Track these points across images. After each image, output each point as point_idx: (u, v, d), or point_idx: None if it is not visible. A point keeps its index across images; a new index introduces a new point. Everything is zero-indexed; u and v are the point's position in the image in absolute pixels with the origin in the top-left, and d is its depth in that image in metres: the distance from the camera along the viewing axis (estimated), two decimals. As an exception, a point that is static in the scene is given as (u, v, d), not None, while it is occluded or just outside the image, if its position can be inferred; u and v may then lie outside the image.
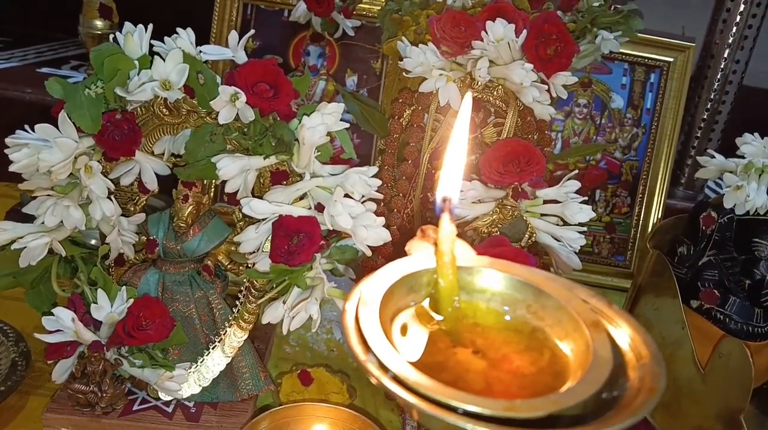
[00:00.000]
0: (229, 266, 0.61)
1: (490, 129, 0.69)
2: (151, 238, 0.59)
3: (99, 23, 0.85)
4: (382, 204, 0.66)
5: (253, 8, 1.03)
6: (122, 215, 0.59)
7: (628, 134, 1.03)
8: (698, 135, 1.06)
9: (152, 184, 0.60)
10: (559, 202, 0.64)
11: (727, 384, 0.58)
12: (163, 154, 0.61)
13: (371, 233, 0.55)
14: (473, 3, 0.76)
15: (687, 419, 0.63)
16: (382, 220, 0.55)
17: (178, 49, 0.54)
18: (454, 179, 0.30)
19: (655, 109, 1.02)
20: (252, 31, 0.60)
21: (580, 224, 0.62)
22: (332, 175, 0.59)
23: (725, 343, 0.59)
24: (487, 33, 0.63)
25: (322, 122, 0.55)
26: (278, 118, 0.58)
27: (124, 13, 1.14)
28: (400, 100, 0.68)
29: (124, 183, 0.60)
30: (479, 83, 0.66)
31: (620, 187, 1.04)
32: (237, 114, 0.55)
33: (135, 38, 0.55)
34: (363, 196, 0.57)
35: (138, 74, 0.55)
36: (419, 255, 0.30)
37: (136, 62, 0.54)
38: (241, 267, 0.62)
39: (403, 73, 0.65)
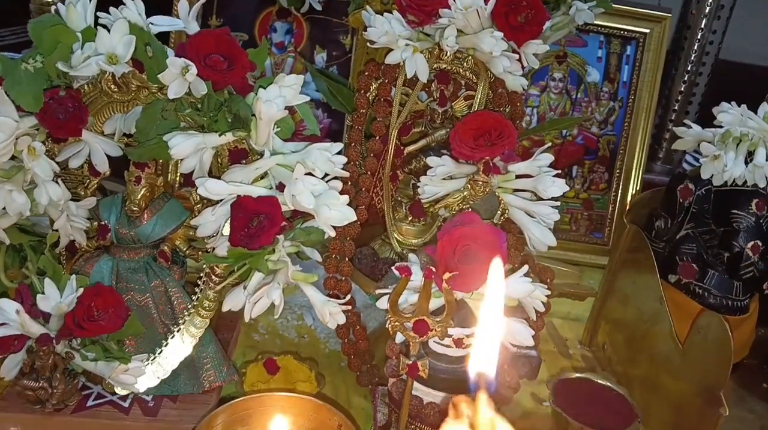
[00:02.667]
0: (187, 252, 0.58)
1: (460, 102, 0.67)
2: (103, 223, 0.56)
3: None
4: (349, 183, 0.63)
5: (216, -17, 0.99)
6: (72, 199, 0.56)
7: (605, 108, 1.01)
8: (675, 108, 1.04)
9: (103, 166, 0.57)
10: (532, 176, 0.62)
11: (706, 359, 0.57)
12: (114, 133, 0.57)
13: (335, 212, 0.52)
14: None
15: (666, 395, 0.62)
16: (346, 198, 0.52)
17: (123, 19, 0.50)
18: (489, 350, 0.28)
19: (632, 83, 1.00)
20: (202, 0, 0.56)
21: (554, 199, 0.60)
22: (294, 152, 0.56)
23: (704, 317, 0.58)
24: (455, 0, 0.60)
25: (280, 95, 0.52)
26: (234, 92, 0.54)
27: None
28: (366, 73, 0.65)
29: (72, 166, 0.56)
30: (448, 54, 0.63)
31: (597, 162, 1.02)
32: (189, 88, 0.52)
33: (78, 9, 0.51)
34: (326, 174, 0.54)
35: (81, 48, 0.51)
36: None
37: (79, 35, 0.50)
38: (200, 252, 0.59)
39: (368, 44, 0.62)
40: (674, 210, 0.69)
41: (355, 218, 0.53)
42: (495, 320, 0.29)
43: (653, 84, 0.99)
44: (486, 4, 0.60)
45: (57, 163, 0.56)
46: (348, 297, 0.56)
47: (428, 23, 0.62)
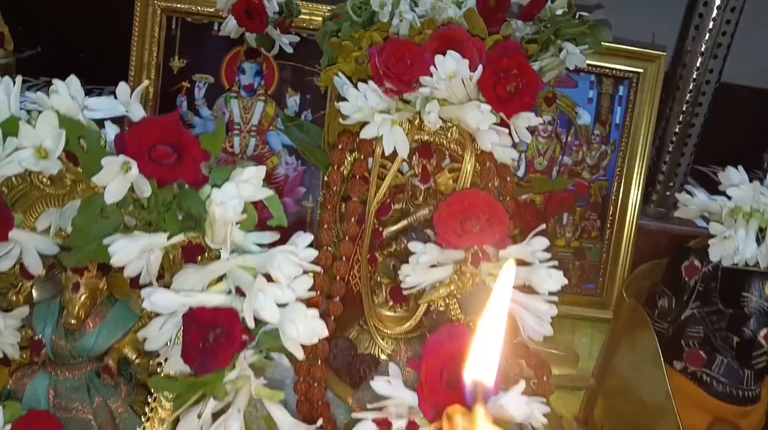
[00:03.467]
0: (137, 361, 0.51)
1: (445, 175, 0.60)
2: (36, 337, 0.48)
3: (-13, 51, 0.72)
4: (322, 272, 0.56)
5: (178, 21, 0.92)
6: (3, 309, 0.48)
7: (596, 152, 0.95)
8: (670, 150, 0.99)
9: (36, 268, 0.49)
10: (525, 262, 0.56)
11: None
12: (49, 229, 0.50)
13: (302, 327, 0.45)
14: (422, 23, 0.66)
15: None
16: (315, 312, 0.46)
17: (51, 111, 0.43)
18: (488, 357, 0.25)
19: (625, 125, 0.94)
20: (146, 82, 0.49)
21: (551, 293, 0.53)
22: (257, 249, 0.49)
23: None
24: (436, 68, 0.53)
25: (238, 195, 0.45)
26: (185, 186, 0.47)
27: (30, 35, 1.01)
28: (340, 146, 0.58)
29: (1, 269, 0.49)
30: (426, 120, 0.57)
31: (589, 209, 0.97)
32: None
33: (0, 96, 0.44)
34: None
35: (3, 143, 0.43)
36: None
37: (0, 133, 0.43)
38: (152, 361, 0.52)
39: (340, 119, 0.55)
40: (679, 289, 0.63)
41: (326, 334, 0.46)
42: (496, 323, 0.26)
43: (648, 126, 0.93)
44: (472, 72, 0.54)
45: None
46: (319, 422, 0.49)
47: (407, 92, 0.55)
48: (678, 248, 0.64)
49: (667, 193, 1.02)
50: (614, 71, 0.93)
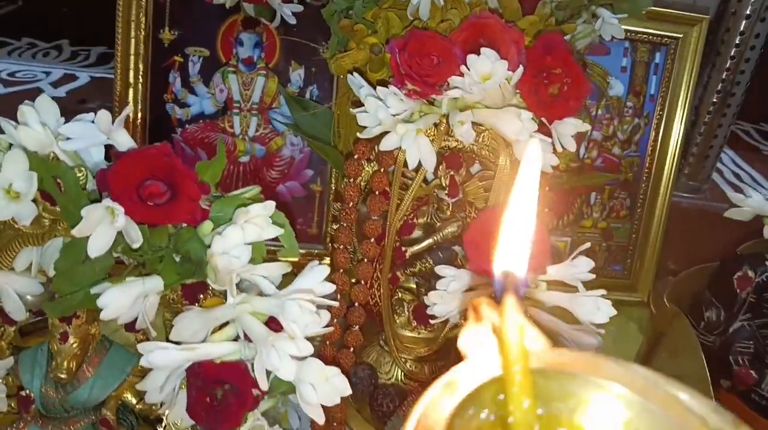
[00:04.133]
0: (138, 407, 0.46)
1: (474, 184, 0.53)
2: (24, 393, 0.43)
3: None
4: (338, 296, 0.51)
5: (167, -12, 0.82)
6: (-20, 358, 0.43)
7: (629, 126, 0.87)
8: (706, 121, 0.91)
9: (19, 314, 0.43)
10: (566, 284, 0.50)
11: None
12: (30, 267, 0.44)
13: (322, 390, 0.40)
14: (446, 2, 0.58)
15: None
16: (335, 370, 0.40)
17: (18, 149, 0.36)
18: (519, 244, 0.23)
19: (660, 95, 0.86)
20: (129, 109, 0.41)
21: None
22: (267, 286, 0.43)
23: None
24: (469, 69, 0.46)
25: (242, 241, 0.39)
26: (181, 226, 0.41)
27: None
28: (356, 156, 0.51)
29: (-24, 315, 0.43)
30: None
31: (618, 187, 0.90)
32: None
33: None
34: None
35: (-37, 185, 0.37)
36: (477, 358, 0.22)
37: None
38: (154, 406, 0.47)
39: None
40: (729, 300, 0.58)
41: (350, 392, 0.40)
42: (527, 207, 0.23)
43: (686, 97, 0.85)
44: (511, 71, 0.46)
45: (-44, 314, 0.43)
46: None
47: (433, 95, 0.48)
48: (730, 257, 0.58)
49: (702, 165, 0.95)
50: (651, 37, 0.84)
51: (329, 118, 0.73)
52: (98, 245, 0.37)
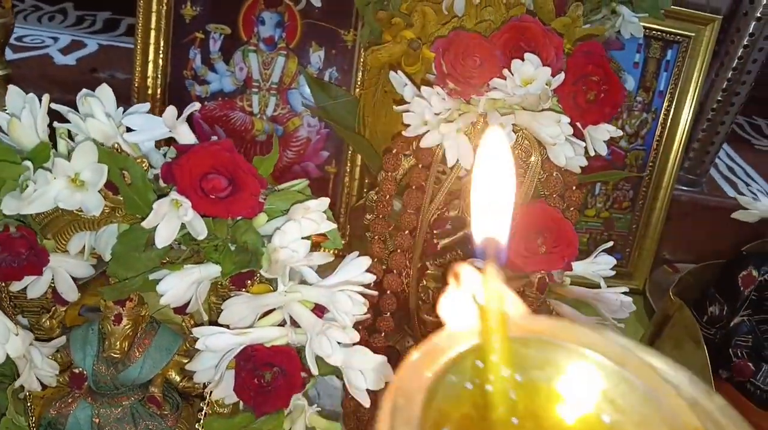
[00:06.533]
0: (182, 385, 0.48)
1: (504, 181, 0.55)
2: (77, 370, 0.45)
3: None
4: (372, 284, 0.53)
5: (189, -38, 0.82)
6: (36, 338, 0.45)
7: (637, 121, 0.90)
8: (710, 117, 0.94)
9: (71, 294, 0.45)
10: (589, 280, 0.53)
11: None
12: (82, 251, 0.45)
13: (370, 377, 0.42)
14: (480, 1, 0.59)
15: None
16: (382, 359, 0.43)
17: (89, 141, 0.37)
18: (500, 208, 0.22)
19: (669, 92, 0.89)
20: (197, 105, 0.42)
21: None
22: (311, 275, 0.45)
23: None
24: (511, 73, 0.48)
25: (300, 236, 0.41)
26: (239, 218, 0.43)
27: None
28: (395, 150, 0.53)
29: (32, 295, 0.45)
30: (496, 131, 0.51)
31: (623, 179, 0.93)
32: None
33: (24, 120, 0.38)
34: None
35: (34, 177, 0.38)
36: (456, 325, 0.21)
37: (29, 165, 0.37)
38: (197, 384, 0.49)
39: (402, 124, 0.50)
40: (732, 297, 0.61)
41: (393, 377, 0.43)
42: (506, 172, 0.23)
43: (694, 94, 0.88)
44: (553, 77, 0.48)
45: (12, 293, 0.44)
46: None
47: (474, 95, 0.50)
48: (735, 256, 0.62)
49: (702, 159, 0.98)
50: (664, 34, 0.86)
51: (349, 105, 0.74)
52: (166, 235, 0.39)
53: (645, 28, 0.85)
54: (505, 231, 0.22)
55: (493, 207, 0.22)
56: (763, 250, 0.60)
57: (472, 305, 0.21)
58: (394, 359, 0.58)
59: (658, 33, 0.86)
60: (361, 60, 0.84)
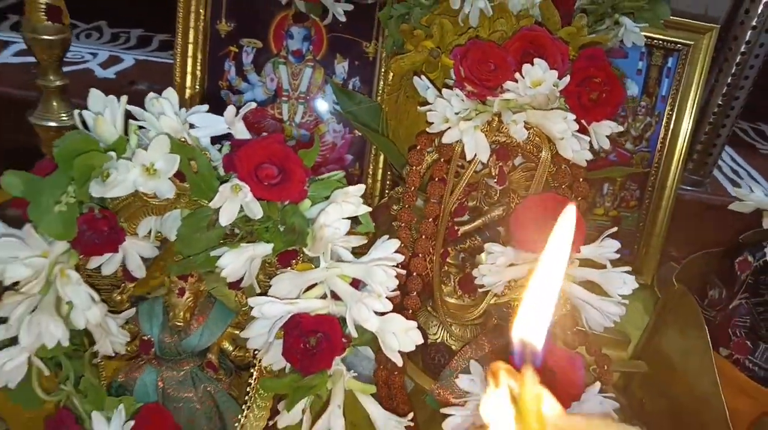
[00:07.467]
0: (234, 354, 0.55)
1: (518, 174, 0.62)
2: (145, 337, 0.51)
3: (47, 27, 0.71)
4: (398, 265, 0.59)
5: (224, -18, 0.89)
6: (109, 309, 0.51)
7: (641, 124, 0.96)
8: (711, 121, 0.99)
9: (140, 272, 0.52)
10: (595, 262, 0.59)
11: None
12: (149, 235, 0.52)
13: (403, 339, 0.48)
14: (494, 11, 0.65)
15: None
16: (413, 324, 0.49)
17: (164, 136, 0.44)
18: (540, 315, 0.23)
19: (671, 97, 0.95)
20: (253, 104, 0.49)
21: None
22: (347, 255, 0.51)
23: (763, 422, 0.57)
24: (522, 76, 0.54)
25: (342, 216, 0.47)
26: (287, 202, 0.49)
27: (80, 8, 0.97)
28: (419, 147, 0.59)
29: (105, 272, 0.51)
30: (509, 130, 0.57)
31: (629, 179, 0.99)
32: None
33: (107, 117, 0.45)
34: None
35: (116, 165, 0.45)
36: (497, 424, 0.23)
37: (113, 155, 0.44)
38: (247, 353, 0.55)
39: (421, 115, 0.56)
40: (730, 281, 0.67)
41: (422, 342, 0.49)
42: (551, 279, 0.25)
43: (694, 99, 0.93)
44: (559, 79, 0.54)
45: (87, 272, 0.51)
46: (410, 415, 0.54)
47: (490, 96, 0.56)
48: (733, 244, 0.67)
49: (705, 161, 1.04)
50: (665, 43, 0.92)
51: (372, 110, 0.81)
52: (228, 215, 0.45)
53: (646, 37, 0.91)
54: (542, 338, 0.24)
55: (534, 314, 0.24)
56: (757, 238, 0.66)
57: (511, 406, 0.22)
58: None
59: (659, 42, 0.92)
60: (382, 70, 0.91)
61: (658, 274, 0.98)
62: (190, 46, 0.90)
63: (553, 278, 0.24)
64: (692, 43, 0.92)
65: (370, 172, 0.93)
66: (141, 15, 1.39)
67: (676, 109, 0.94)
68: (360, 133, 0.93)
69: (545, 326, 0.24)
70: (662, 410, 0.71)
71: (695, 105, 0.93)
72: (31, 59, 1.06)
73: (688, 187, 1.04)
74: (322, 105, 0.92)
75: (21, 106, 0.84)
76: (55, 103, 0.76)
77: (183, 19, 0.89)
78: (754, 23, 0.92)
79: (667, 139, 0.95)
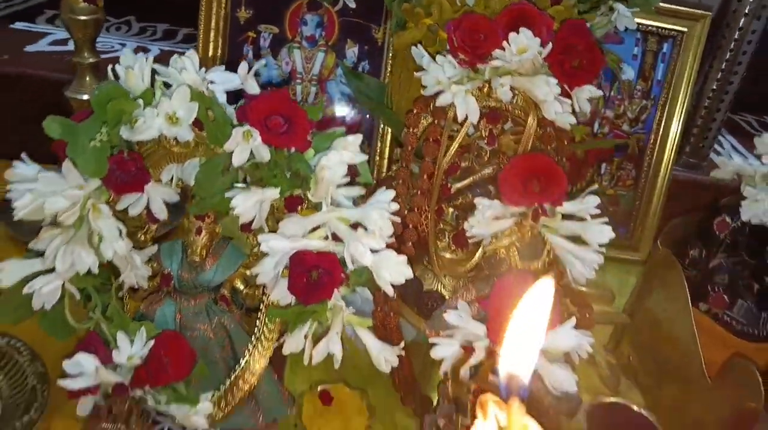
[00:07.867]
0: (245, 292, 0.61)
1: (507, 137, 0.67)
2: (166, 271, 0.58)
3: (83, 8, 0.78)
4: (395, 214, 0.65)
5: (244, -28, 0.96)
6: (133, 247, 0.57)
7: (637, 107, 1.01)
8: (706, 105, 1.04)
9: (162, 214, 0.58)
10: (577, 217, 0.63)
11: (735, 400, 0.60)
12: (171, 181, 0.58)
13: (394, 271, 0.54)
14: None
15: (696, 425, 0.66)
16: (404, 258, 0.54)
17: (185, 86, 0.50)
18: (526, 353, 0.25)
19: (666, 81, 0.99)
20: (262, 62, 0.55)
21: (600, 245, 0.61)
22: (347, 202, 0.57)
23: (735, 362, 0.61)
24: (509, 44, 0.59)
25: (341, 160, 0.53)
26: (293, 150, 0.55)
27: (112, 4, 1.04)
28: (415, 111, 0.65)
29: (132, 214, 0.58)
30: (497, 93, 0.63)
31: (626, 160, 1.03)
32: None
33: (136, 71, 0.51)
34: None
35: (143, 113, 0.51)
36: None
37: (141, 102, 0.51)
38: (257, 291, 0.61)
39: (421, 87, 0.62)
40: (710, 241, 0.71)
41: (412, 275, 0.55)
42: (536, 320, 0.26)
43: (688, 83, 0.98)
44: (543, 47, 0.60)
45: (117, 212, 0.57)
46: (402, 343, 0.59)
47: (479, 63, 0.62)
48: (711, 204, 0.72)
49: (701, 144, 1.08)
50: (660, 29, 0.97)
51: (379, 88, 0.87)
52: (240, 158, 0.51)
53: (642, 23, 0.97)
54: (529, 372, 0.25)
55: (521, 349, 0.25)
56: (735, 201, 0.70)
57: None
58: (416, 286, 0.70)
59: (655, 28, 0.97)
60: (390, 54, 0.97)
61: (653, 250, 1.02)
62: (212, 32, 0.97)
63: (538, 317, 0.26)
64: (686, 29, 0.97)
65: (378, 150, 0.99)
66: (167, 11, 1.47)
67: (671, 93, 0.99)
68: (369, 115, 0.99)
69: (530, 364, 0.25)
70: (648, 365, 0.75)
71: (689, 89, 0.98)
72: (65, 48, 1.15)
73: (685, 171, 1.08)
74: (333, 87, 0.99)
75: (57, 86, 0.92)
76: (88, 78, 0.83)
77: (206, 7, 0.96)
78: (746, 10, 0.96)
79: (662, 121, 1.00)
